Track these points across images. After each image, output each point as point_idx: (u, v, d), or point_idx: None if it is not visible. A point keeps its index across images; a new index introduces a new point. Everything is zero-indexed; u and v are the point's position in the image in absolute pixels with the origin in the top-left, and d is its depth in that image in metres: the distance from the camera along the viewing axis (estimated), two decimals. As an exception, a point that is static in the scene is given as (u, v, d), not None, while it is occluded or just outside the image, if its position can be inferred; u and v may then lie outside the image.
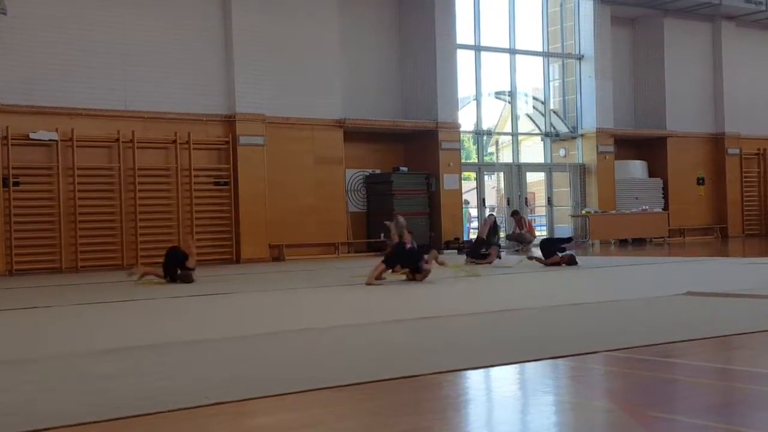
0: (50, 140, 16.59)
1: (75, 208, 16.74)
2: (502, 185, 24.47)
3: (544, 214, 25.23)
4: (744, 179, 26.44)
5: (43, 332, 7.42)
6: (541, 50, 24.62)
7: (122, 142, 17.23)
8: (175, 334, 6.80)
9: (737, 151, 26.25)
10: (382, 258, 12.04)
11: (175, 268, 12.45)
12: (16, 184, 16.30)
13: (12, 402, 4.23)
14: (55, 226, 16.63)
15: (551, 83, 24.89)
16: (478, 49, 23.09)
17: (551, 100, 24.89)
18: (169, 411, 3.96)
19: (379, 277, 11.48)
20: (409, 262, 11.76)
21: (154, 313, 8.78)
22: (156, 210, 17.63)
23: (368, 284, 11.11)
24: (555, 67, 24.96)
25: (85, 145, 16.95)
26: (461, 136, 22.23)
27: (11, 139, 16.17)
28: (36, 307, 9.51)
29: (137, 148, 17.38)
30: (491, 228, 17.22)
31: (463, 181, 22.21)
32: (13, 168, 16.22)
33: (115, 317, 8.47)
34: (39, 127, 16.49)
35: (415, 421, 3.74)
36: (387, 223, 14.12)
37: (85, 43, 17.01)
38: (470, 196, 24.34)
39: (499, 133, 25.28)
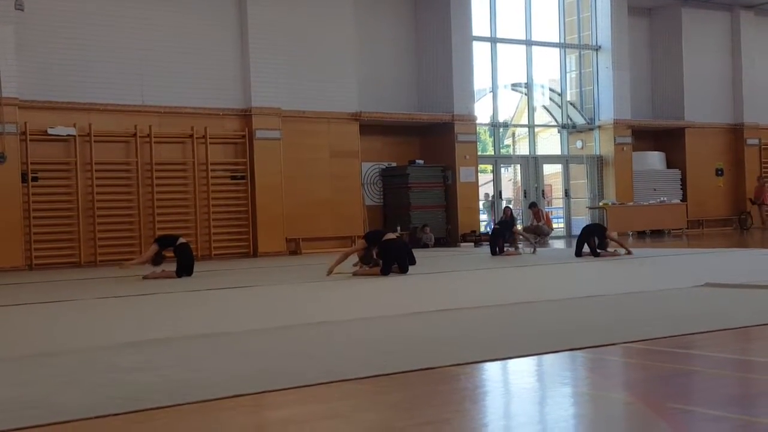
0: (68, 135, 16.69)
1: (93, 202, 16.84)
2: (518, 177, 24.41)
3: (561, 206, 25.16)
4: (764, 170, 26.22)
5: (64, 326, 7.47)
6: (558, 41, 24.51)
7: (139, 137, 17.31)
8: (194, 327, 6.84)
9: (756, 141, 26.05)
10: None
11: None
12: (34, 179, 16.42)
13: (34, 395, 4.28)
14: (74, 220, 16.74)
15: (568, 74, 24.78)
16: (494, 40, 23.02)
17: (568, 92, 24.78)
18: (188, 403, 3.99)
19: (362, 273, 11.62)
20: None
21: (173, 307, 8.83)
22: (173, 204, 17.72)
23: (355, 275, 11.53)
24: (572, 58, 24.85)
25: (102, 140, 17.05)
26: (477, 128, 22.17)
27: (29, 134, 16.28)
28: (56, 301, 9.58)
29: (154, 142, 17.46)
30: (509, 221, 17.25)
31: (479, 174, 22.17)
32: (31, 163, 16.33)
33: (135, 311, 8.53)
34: (57, 122, 16.60)
35: (433, 414, 3.75)
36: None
37: (101, 38, 17.08)
38: (487, 188, 24.30)
39: (516, 125, 25.21)
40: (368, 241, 11.89)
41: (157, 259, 12.74)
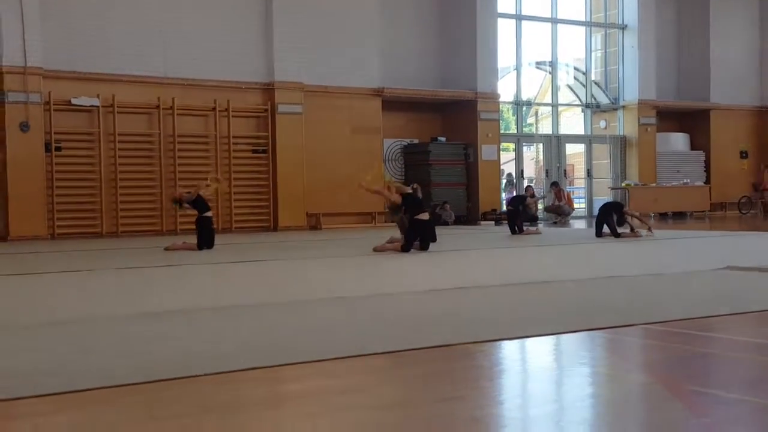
0: (91, 106, 16.76)
1: (116, 173, 16.94)
2: (541, 157, 24.29)
3: (583, 186, 25.02)
4: (789, 153, 25.95)
5: (82, 295, 7.53)
6: (584, 20, 24.27)
7: (162, 108, 17.36)
8: (213, 299, 6.87)
9: (782, 124, 25.77)
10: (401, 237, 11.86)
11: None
12: (58, 149, 16.54)
13: (53, 363, 4.31)
14: (96, 191, 16.86)
15: (593, 53, 24.55)
16: (519, 18, 22.82)
17: (593, 71, 24.56)
18: (205, 375, 4.00)
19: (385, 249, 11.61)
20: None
21: (192, 279, 8.88)
22: (195, 177, 17.71)
23: (375, 250, 11.53)
24: (597, 37, 24.60)
25: (125, 111, 17.12)
26: (500, 106, 22.05)
27: (54, 104, 16.37)
28: (77, 271, 9.66)
29: (177, 115, 17.50)
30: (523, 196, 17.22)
31: (501, 152, 22.07)
32: (55, 133, 16.44)
33: (154, 282, 8.58)
34: (80, 93, 16.67)
35: (450, 390, 3.75)
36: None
37: (126, 9, 17.11)
38: (509, 167, 24.21)
39: (539, 104, 25.04)
40: (404, 202, 11.81)
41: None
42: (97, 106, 16.78)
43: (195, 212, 12.82)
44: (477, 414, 3.41)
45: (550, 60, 23.80)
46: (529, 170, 25.44)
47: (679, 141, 25.10)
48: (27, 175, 16.02)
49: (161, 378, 3.93)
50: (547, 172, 23.53)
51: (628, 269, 8.85)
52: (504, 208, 21.77)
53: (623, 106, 24.12)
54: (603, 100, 24.44)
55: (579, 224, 20.43)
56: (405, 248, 11.41)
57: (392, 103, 20.33)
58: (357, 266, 9.98)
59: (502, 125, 22.95)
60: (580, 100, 24.64)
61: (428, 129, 21.44)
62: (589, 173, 24.35)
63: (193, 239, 12.87)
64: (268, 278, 8.85)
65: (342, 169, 19.35)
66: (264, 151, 18.55)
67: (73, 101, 16.60)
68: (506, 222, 16.82)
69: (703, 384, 3.87)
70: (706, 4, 24.68)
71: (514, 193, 21.60)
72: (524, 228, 15.71)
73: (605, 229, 14.01)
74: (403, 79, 20.59)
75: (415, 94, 20.66)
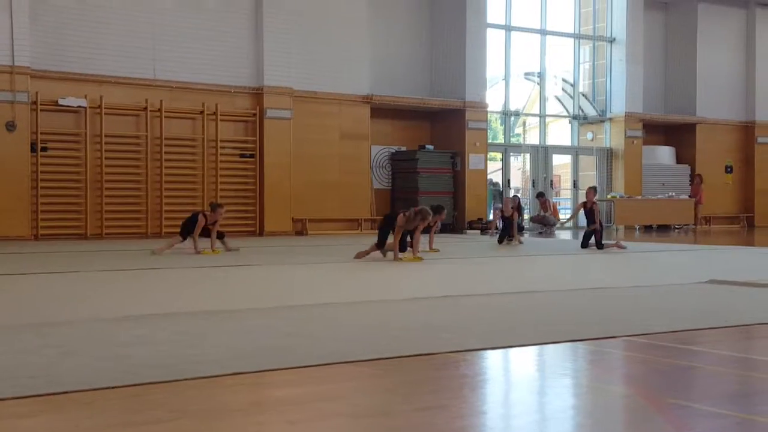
0: (79, 107, 16.70)
1: (101, 175, 16.86)
2: (528, 167, 24.36)
3: (569, 197, 25.10)
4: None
5: (65, 297, 7.49)
6: (573, 32, 24.39)
7: (150, 111, 17.30)
8: (196, 303, 6.85)
9: (767, 139, 25.93)
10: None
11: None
12: (44, 149, 16.45)
13: (34, 365, 4.29)
14: (82, 192, 16.77)
15: (581, 65, 24.67)
16: (508, 28, 22.91)
17: (580, 83, 24.68)
18: (186, 379, 3.99)
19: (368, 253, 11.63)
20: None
21: (175, 283, 8.85)
22: (181, 180, 17.73)
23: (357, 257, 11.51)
24: (586, 49, 24.73)
25: (113, 112, 17.05)
26: (488, 116, 22.10)
27: (40, 104, 16.29)
28: (60, 272, 9.61)
29: (165, 117, 17.46)
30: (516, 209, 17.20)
31: (488, 162, 22.11)
32: (41, 133, 16.35)
33: (137, 285, 8.55)
34: (68, 93, 16.60)
35: (432, 399, 3.75)
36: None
37: (115, 10, 17.06)
38: (495, 177, 24.26)
39: (527, 115, 25.13)
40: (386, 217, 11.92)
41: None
42: (85, 107, 16.71)
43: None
44: (458, 424, 3.41)
45: (539, 71, 23.91)
46: (516, 180, 25.50)
47: (665, 154, 25.24)
48: (12, 175, 15.92)
49: (141, 382, 3.91)
50: (533, 182, 23.60)
51: (611, 281, 8.89)
52: (491, 216, 21.80)
53: (610, 119, 24.24)
54: (590, 112, 24.55)
55: (564, 235, 20.48)
56: (379, 247, 11.50)
57: (381, 110, 20.35)
58: (341, 273, 9.97)
59: (490, 135, 23.00)
60: (567, 111, 24.75)
61: (416, 137, 21.47)
62: (575, 184, 24.44)
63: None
64: (252, 283, 8.83)
65: (329, 175, 19.35)
66: (251, 156, 18.51)
67: (61, 101, 16.53)
68: (492, 231, 16.81)
69: (684, 397, 3.89)
70: (694, 19, 24.86)
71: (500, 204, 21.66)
72: (512, 238, 15.73)
73: (591, 240, 14.07)
74: (392, 87, 20.62)
75: (404, 102, 20.69)
